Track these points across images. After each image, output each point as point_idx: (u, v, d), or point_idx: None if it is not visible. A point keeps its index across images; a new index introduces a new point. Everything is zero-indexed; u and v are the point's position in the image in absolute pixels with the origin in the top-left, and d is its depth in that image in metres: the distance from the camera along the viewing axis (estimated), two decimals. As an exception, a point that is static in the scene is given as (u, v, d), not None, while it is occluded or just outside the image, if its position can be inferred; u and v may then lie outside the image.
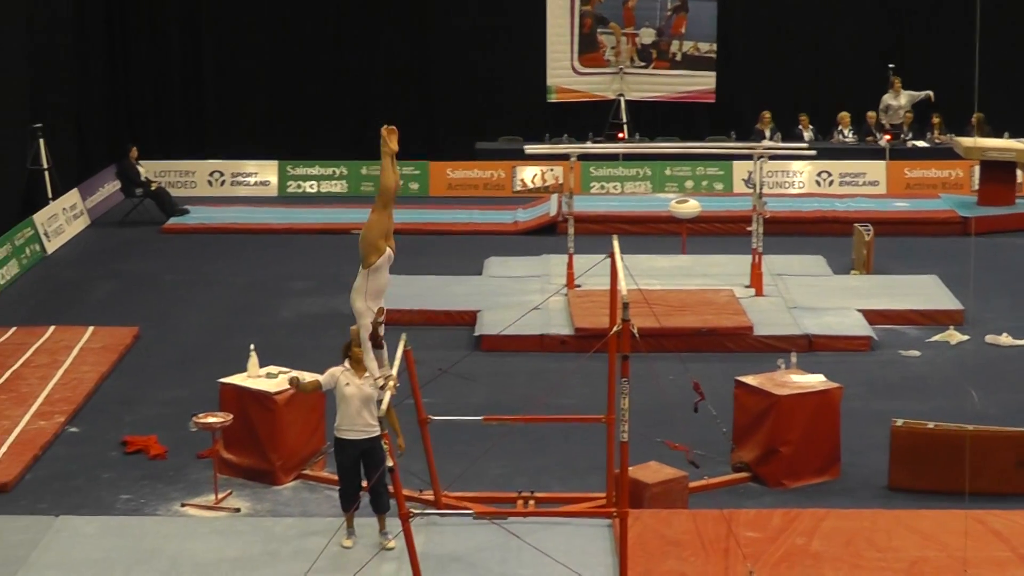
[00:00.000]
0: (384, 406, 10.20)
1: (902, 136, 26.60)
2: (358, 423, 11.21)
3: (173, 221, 23.61)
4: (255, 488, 12.81)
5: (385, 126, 10.84)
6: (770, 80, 28.12)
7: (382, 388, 10.61)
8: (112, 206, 24.92)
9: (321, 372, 11.72)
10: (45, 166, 23.25)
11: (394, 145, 10.80)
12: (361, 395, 11.18)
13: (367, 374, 11.03)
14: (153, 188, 24.12)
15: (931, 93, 26.41)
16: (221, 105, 28.03)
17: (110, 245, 22.61)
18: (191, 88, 27.98)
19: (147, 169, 24.64)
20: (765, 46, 28.18)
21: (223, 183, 26.47)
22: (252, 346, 13.38)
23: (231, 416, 12.61)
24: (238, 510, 12.37)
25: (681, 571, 10.76)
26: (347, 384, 11.26)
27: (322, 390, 11.68)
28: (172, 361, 16.62)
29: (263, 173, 26.51)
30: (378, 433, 10.93)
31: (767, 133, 26.23)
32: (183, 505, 12.52)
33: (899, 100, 26.65)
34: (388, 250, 10.70)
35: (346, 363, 11.35)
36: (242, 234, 23.02)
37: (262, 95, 28.12)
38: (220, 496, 12.50)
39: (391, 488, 10.36)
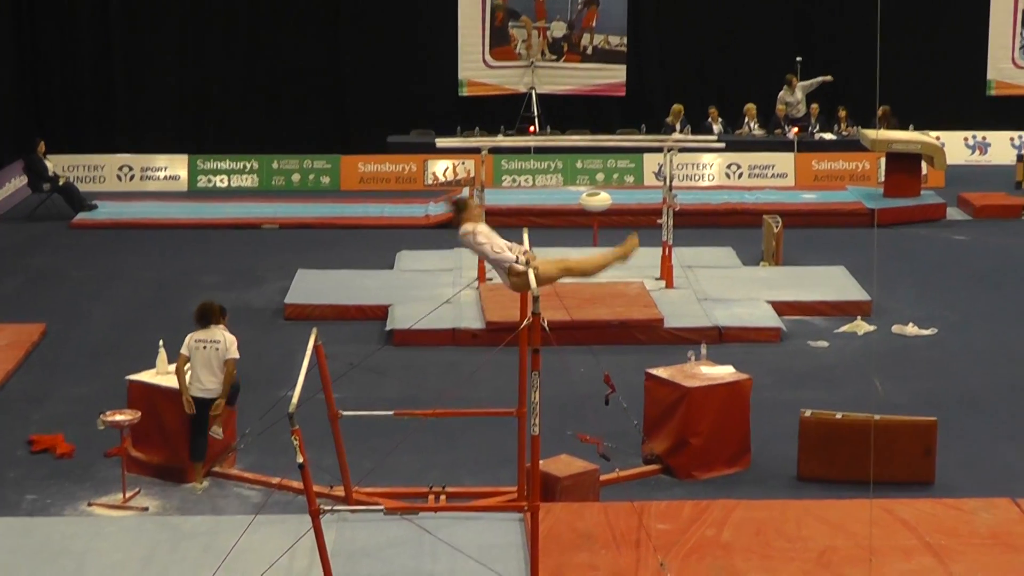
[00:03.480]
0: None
1: (809, 129, 26.88)
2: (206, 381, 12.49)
3: (81, 216, 23.34)
4: (164, 486, 12.67)
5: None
6: (680, 73, 28.30)
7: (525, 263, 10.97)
8: (19, 201, 24.61)
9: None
10: (-51, 161, 22.95)
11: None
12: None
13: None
14: (61, 183, 23.81)
15: (828, 77, 26.76)
16: (130, 99, 27.79)
17: (17, 240, 22.29)
18: (100, 81, 27.71)
19: (55, 163, 24.32)
20: (675, 39, 28.37)
21: (132, 177, 26.21)
22: (161, 342, 13.26)
23: (139, 413, 12.47)
24: (146, 509, 12.24)
25: (592, 564, 10.79)
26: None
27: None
28: (80, 358, 16.43)
29: (173, 167, 26.28)
30: None
31: (677, 126, 26.39)
32: (90, 504, 12.36)
33: (795, 95, 26.96)
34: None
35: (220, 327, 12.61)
36: (151, 229, 22.79)
37: (172, 88, 27.89)
38: (128, 495, 12.37)
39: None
